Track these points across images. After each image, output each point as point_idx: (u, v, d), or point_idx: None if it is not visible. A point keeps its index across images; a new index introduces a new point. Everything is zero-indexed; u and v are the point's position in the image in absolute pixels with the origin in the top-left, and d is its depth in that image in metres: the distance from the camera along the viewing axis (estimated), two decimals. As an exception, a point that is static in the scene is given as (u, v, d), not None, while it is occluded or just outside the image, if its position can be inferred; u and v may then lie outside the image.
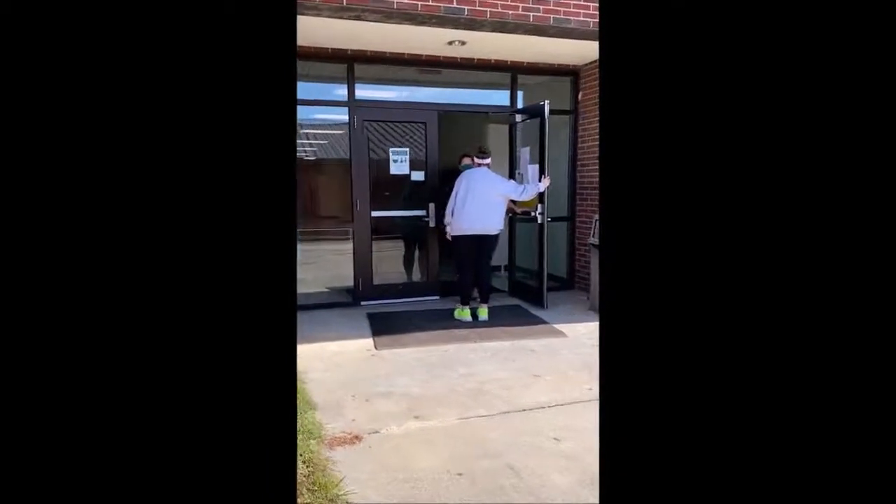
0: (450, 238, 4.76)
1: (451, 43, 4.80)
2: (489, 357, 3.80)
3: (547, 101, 4.87)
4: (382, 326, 4.54)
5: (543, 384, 3.30)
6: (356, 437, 2.64)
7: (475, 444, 2.55)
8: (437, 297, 5.56)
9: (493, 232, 4.65)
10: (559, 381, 3.33)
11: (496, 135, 7.29)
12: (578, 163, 5.86)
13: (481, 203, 4.54)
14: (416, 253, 5.71)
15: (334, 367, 3.60)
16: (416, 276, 5.70)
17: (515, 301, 5.43)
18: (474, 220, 4.55)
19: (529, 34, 4.46)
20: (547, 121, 4.86)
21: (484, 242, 4.66)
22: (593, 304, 5.05)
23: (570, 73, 5.80)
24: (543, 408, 2.98)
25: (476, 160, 4.72)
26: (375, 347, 4.03)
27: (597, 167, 5.58)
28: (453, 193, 4.66)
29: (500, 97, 5.85)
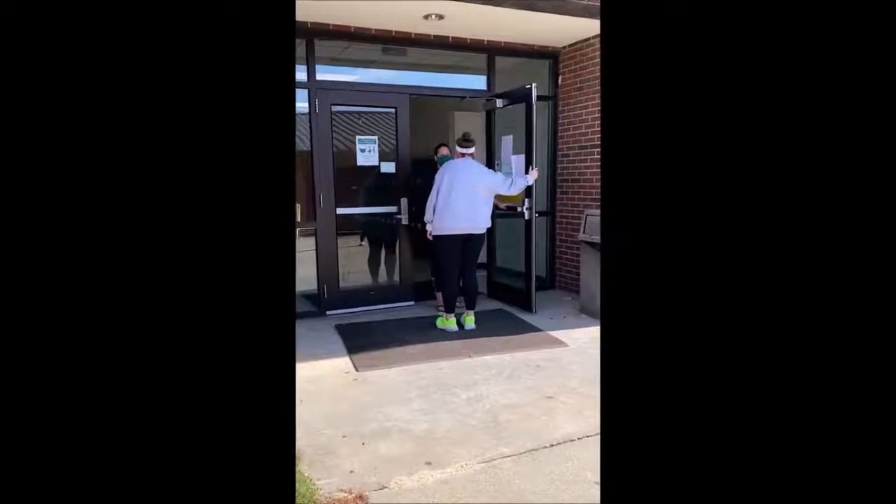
0: (431, 238, 4.22)
1: (427, 17, 4.25)
2: (491, 375, 3.31)
3: (534, 84, 4.40)
4: (357, 341, 3.95)
5: (562, 409, 2.84)
6: (360, 498, 2.08)
7: (511, 498, 2.06)
8: (412, 303, 5.01)
9: (481, 230, 4.15)
10: (578, 404, 2.89)
11: (465, 123, 6.80)
12: (559, 153, 5.45)
13: (467, 198, 4.03)
14: (388, 254, 5.14)
15: (310, 398, 3.00)
16: (387, 279, 5.13)
17: (497, 305, 4.97)
18: (460, 217, 4.03)
19: (518, 7, 3.97)
20: (535, 106, 4.40)
21: (470, 242, 4.15)
22: (583, 306, 4.66)
23: (549, 56, 5.37)
24: (573, 441, 2.52)
25: (459, 150, 4.18)
26: (355, 368, 3.45)
27: (579, 158, 5.19)
28: (434, 188, 4.11)
29: (474, 81, 5.35)
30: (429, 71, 5.28)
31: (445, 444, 2.48)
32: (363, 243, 4.99)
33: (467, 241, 4.13)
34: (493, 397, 2.99)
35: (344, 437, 2.56)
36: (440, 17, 4.24)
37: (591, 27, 4.58)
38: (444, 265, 4.20)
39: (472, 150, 4.18)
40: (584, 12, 4.17)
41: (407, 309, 4.91)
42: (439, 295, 4.86)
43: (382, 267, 5.17)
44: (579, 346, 3.84)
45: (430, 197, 4.14)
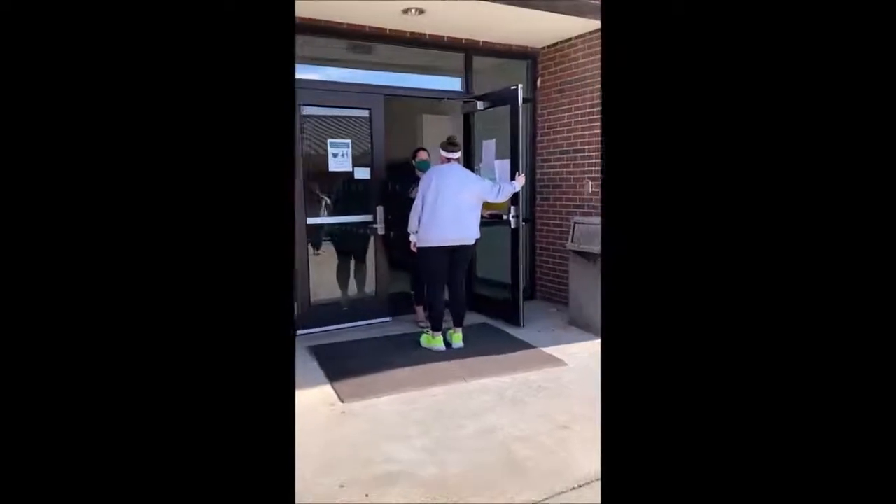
0: (414, 250, 3.90)
1: (406, 11, 3.94)
2: (493, 402, 3.02)
3: (520, 85, 4.15)
4: (337, 366, 3.58)
5: (579, 440, 2.58)
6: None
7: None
8: (389, 319, 4.66)
9: (470, 241, 3.86)
10: (594, 434, 2.62)
11: (435, 127, 6.51)
12: (538, 157, 5.23)
13: (456, 207, 3.72)
14: (359, 266, 4.76)
15: (296, 438, 2.62)
16: (358, 292, 4.75)
17: (481, 318, 4.68)
18: (448, 228, 3.72)
19: (508, 3, 3.71)
20: (521, 108, 4.15)
21: (458, 254, 3.85)
22: (572, 318, 4.45)
23: (528, 57, 5.15)
24: (599, 480, 2.26)
25: (445, 154, 3.88)
26: (340, 399, 3.08)
27: (561, 163, 4.98)
28: (419, 197, 3.78)
29: (448, 83, 5.07)
30: (399, 71, 4.96)
31: (461, 491, 2.16)
32: (319, 252, 4.58)
33: (454, 253, 3.82)
34: (502, 428, 2.69)
35: (342, 486, 2.21)
36: (420, 11, 3.94)
37: (573, 27, 4.39)
38: (431, 280, 3.87)
39: (458, 154, 3.90)
40: (576, 11, 3.96)
41: (384, 325, 4.55)
42: (419, 309, 4.54)
43: (353, 280, 4.80)
44: (577, 363, 3.60)
45: (414, 205, 3.80)
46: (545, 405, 2.96)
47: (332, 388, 3.24)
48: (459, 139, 4.20)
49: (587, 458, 2.41)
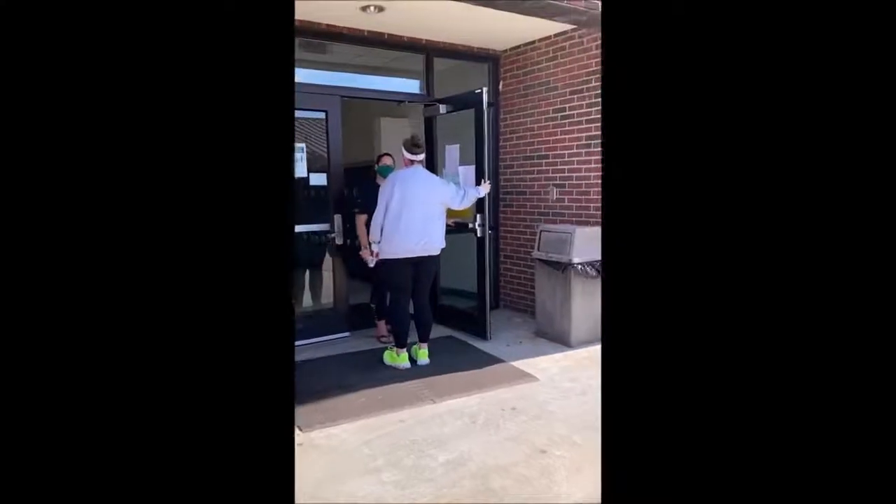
0: (372, 263, 3.66)
1: (365, 8, 3.71)
2: (465, 426, 2.81)
3: (485, 89, 3.98)
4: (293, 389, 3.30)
5: (560, 466, 2.40)
6: None
7: None
8: (348, 334, 4.40)
9: (436, 251, 3.65)
10: (576, 459, 2.46)
11: (392, 130, 6.29)
12: (501, 163, 5.08)
13: (422, 215, 3.50)
14: (315, 278, 4.49)
15: (249, 475, 2.35)
16: (313, 306, 4.48)
17: (446, 331, 4.48)
18: (414, 238, 3.50)
19: (471, 2, 3.53)
20: (486, 113, 3.98)
21: (424, 265, 3.63)
22: (539, 329, 4.30)
23: (489, 59, 5.00)
24: (586, 510, 2.10)
25: (409, 156, 3.63)
26: (298, 428, 2.81)
27: (524, 169, 4.85)
28: (382, 204, 3.53)
29: (406, 85, 4.86)
30: (357, 72, 4.72)
31: (438, 535, 1.95)
32: None
33: (419, 265, 3.61)
34: (476, 457, 2.49)
35: (303, 535, 1.96)
36: (380, 9, 3.72)
37: (536, 29, 4.26)
38: (395, 293, 3.64)
39: (422, 156, 3.68)
40: (538, 11, 3.82)
41: (344, 342, 4.29)
42: (381, 324, 4.30)
43: (308, 293, 4.52)
44: (550, 378, 3.44)
45: (375, 215, 3.55)
46: (521, 428, 2.78)
47: (289, 414, 2.96)
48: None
49: (568, 486, 2.23)
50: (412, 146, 3.62)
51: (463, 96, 4.20)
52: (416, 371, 3.58)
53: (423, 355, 3.70)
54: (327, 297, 4.42)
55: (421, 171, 3.62)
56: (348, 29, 4.13)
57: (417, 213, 3.48)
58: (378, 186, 4.13)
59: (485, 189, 3.93)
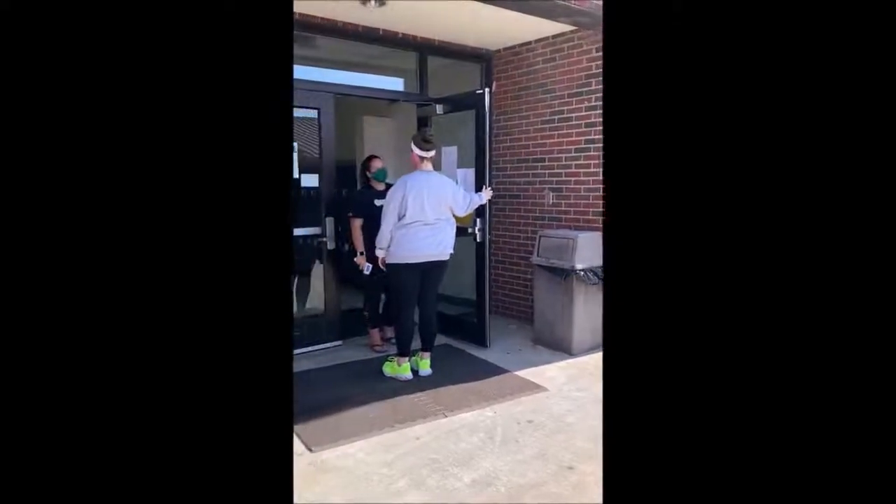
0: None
1: (366, 3, 3.54)
2: (483, 442, 2.69)
3: (487, 90, 3.87)
4: (296, 404, 3.09)
5: (591, 483, 2.31)
6: None
7: None
8: (340, 343, 4.21)
9: (447, 256, 3.50)
10: (605, 474, 2.38)
11: (375, 130, 6.10)
12: (494, 166, 4.96)
13: (437, 219, 3.34)
14: (304, 285, 4.27)
15: None
16: (308, 314, 4.25)
17: (442, 339, 4.31)
18: (429, 242, 3.33)
19: (484, 1, 3.40)
20: (488, 114, 3.87)
21: (432, 272, 3.48)
22: (538, 337, 4.22)
23: (482, 59, 4.89)
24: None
25: (419, 152, 3.40)
26: (307, 447, 2.63)
27: (519, 172, 4.77)
28: (393, 207, 3.32)
29: (402, 83, 4.71)
30: (348, 69, 4.53)
31: (483, 566, 1.82)
32: None
33: (429, 270, 3.45)
34: (503, 476, 2.37)
35: (336, 572, 1.80)
36: (381, 3, 3.55)
37: (533, 29, 4.18)
38: (402, 300, 3.47)
39: (433, 153, 3.47)
40: (543, 12, 3.73)
41: (337, 351, 4.09)
42: (374, 332, 4.13)
43: (298, 300, 4.31)
44: (559, 388, 3.35)
45: (385, 219, 3.36)
46: (542, 443, 2.67)
47: (295, 432, 2.77)
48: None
49: None
50: (422, 141, 3.44)
51: (462, 96, 4.07)
52: (418, 382, 3.44)
53: (424, 365, 3.55)
54: (320, 303, 4.21)
55: (434, 175, 3.45)
56: (344, 23, 3.95)
57: (431, 217, 3.33)
58: (371, 190, 3.97)
59: (486, 196, 3.80)
